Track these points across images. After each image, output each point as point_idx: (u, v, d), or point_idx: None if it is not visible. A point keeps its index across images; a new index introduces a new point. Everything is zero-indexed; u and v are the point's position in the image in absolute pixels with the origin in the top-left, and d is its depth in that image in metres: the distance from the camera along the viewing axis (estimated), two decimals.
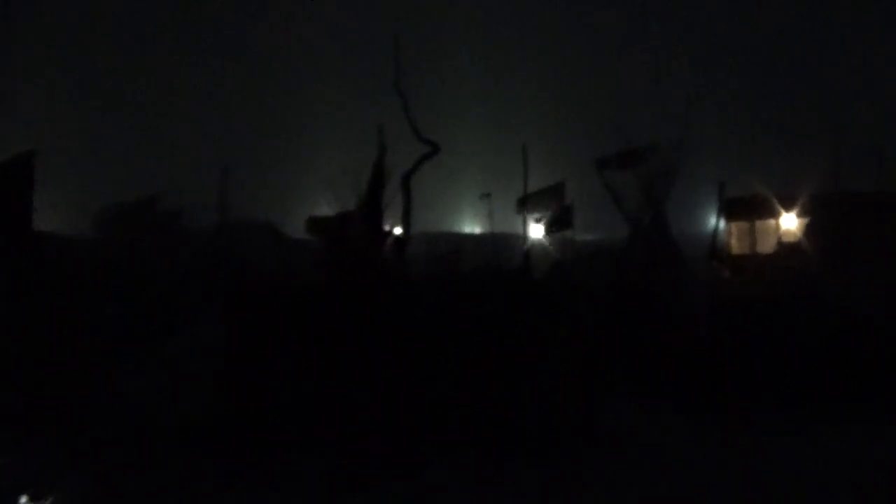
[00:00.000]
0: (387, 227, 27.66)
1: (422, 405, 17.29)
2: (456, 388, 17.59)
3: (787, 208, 33.85)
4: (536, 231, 34.55)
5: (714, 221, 32.64)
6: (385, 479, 15.19)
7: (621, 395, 19.65)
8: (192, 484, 14.97)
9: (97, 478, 15.32)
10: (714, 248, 32.58)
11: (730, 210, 33.24)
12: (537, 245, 33.24)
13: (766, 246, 33.73)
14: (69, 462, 15.93)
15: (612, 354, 20.24)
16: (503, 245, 34.46)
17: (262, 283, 24.32)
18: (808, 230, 31.17)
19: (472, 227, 39.28)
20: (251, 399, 17.70)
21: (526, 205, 32.90)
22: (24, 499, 15.02)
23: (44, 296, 21.09)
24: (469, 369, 17.82)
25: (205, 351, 19.75)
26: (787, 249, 31.36)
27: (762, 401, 19.45)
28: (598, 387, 18.62)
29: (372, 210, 26.65)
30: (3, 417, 17.78)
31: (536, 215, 33.25)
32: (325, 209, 28.11)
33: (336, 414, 17.10)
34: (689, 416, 19.15)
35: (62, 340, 20.03)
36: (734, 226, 34.94)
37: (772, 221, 34.30)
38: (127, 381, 19.65)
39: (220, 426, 17.45)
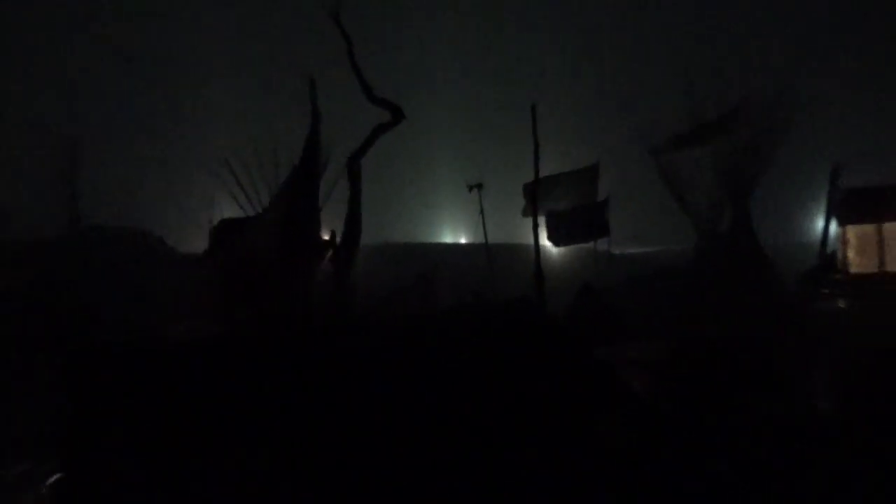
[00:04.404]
0: (325, 236, 24.62)
1: None
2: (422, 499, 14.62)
3: None
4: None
5: (823, 224, 30.84)
6: None
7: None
8: None
9: None
10: (824, 263, 30.18)
11: (847, 208, 30.63)
12: (558, 261, 30.83)
13: None
14: None
15: (679, 440, 15.99)
16: (502, 261, 31.39)
17: (129, 331, 22.14)
18: None
19: (456, 236, 35.76)
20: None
21: (540, 199, 27.90)
22: None
23: None
24: (448, 467, 14.50)
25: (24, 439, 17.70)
26: None
27: None
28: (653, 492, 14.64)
29: (300, 210, 23.67)
30: None
31: (554, 214, 30.26)
32: (228, 212, 24.96)
33: None
34: None
35: None
36: (853, 231, 30.99)
37: None
38: None
39: None
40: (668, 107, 28.71)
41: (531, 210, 28.11)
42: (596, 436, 15.59)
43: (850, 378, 19.04)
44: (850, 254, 30.97)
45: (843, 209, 30.41)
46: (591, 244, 30.97)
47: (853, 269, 30.81)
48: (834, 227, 30.78)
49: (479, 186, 32.59)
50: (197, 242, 28.00)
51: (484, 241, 33.56)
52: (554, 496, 14.66)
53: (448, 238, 34.15)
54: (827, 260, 30.47)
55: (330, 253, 24.50)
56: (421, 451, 15.07)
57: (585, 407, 16.10)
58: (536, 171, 27.24)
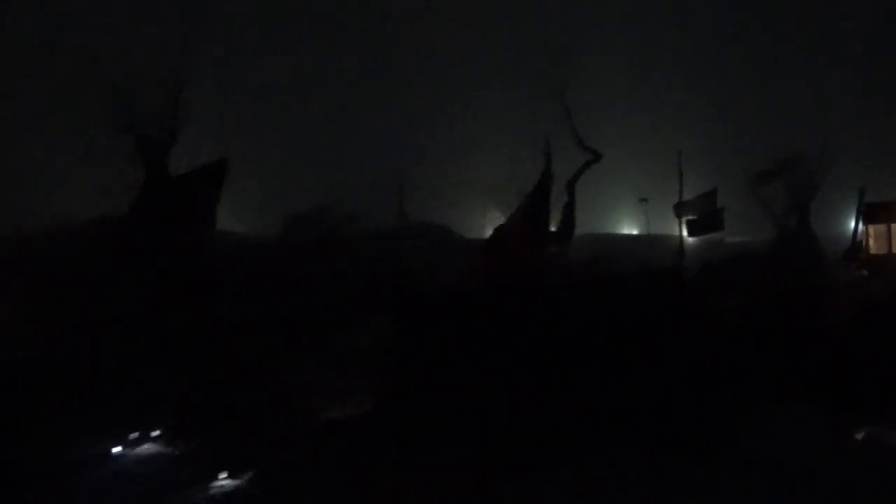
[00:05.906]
0: (552, 229, 30.43)
1: (575, 404, 18.80)
2: (607, 387, 19.30)
3: None
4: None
5: (853, 224, 36.10)
6: (540, 471, 16.75)
7: (769, 396, 20.80)
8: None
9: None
10: (853, 249, 35.75)
11: (868, 214, 36.47)
12: (691, 246, 35.40)
13: None
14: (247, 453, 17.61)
15: (761, 354, 21.92)
16: (658, 247, 36.53)
17: (431, 287, 25.62)
18: None
19: (630, 229, 40.87)
20: (417, 397, 19.50)
21: (681, 209, 35.02)
22: (222, 475, 17.21)
23: (218, 293, 22.62)
24: (622, 369, 19.73)
25: (372, 351, 21.72)
26: None
27: None
28: (746, 387, 20.36)
29: (540, 213, 29.64)
30: (174, 412, 19.71)
31: (690, 217, 35.34)
32: (493, 213, 30.35)
33: (499, 410, 18.48)
34: (835, 418, 20.29)
35: (233, 335, 21.30)
36: (872, 228, 37.49)
37: None
38: (297, 377, 21.22)
39: (388, 422, 19.03)
40: (759, 147, 32.63)
41: (677, 218, 35.10)
42: (707, 343, 21.52)
43: (866, 315, 24.13)
44: (871, 243, 37.40)
45: (867, 214, 36.34)
46: (710, 236, 35.11)
47: (872, 252, 37.24)
48: (861, 226, 36.43)
49: (645, 200, 39.97)
50: (475, 233, 32.29)
51: (647, 232, 40.02)
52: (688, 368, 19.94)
53: (625, 230, 39.49)
54: (856, 246, 36.26)
55: (555, 241, 30.30)
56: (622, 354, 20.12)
57: (702, 327, 22.27)
58: (680, 192, 34.22)
